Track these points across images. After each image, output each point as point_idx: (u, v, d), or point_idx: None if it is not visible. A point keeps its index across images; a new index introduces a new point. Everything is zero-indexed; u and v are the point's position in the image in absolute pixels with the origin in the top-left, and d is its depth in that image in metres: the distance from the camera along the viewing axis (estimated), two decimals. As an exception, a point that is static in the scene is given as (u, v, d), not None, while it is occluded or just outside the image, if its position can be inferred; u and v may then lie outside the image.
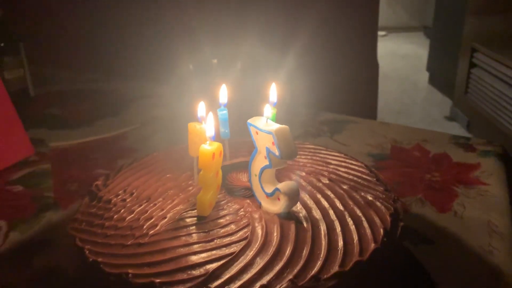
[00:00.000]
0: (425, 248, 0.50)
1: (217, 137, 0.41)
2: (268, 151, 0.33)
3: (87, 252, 0.31)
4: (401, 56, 4.06)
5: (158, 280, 0.28)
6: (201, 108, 0.37)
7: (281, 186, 0.33)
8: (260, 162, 0.35)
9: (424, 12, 4.38)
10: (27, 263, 0.51)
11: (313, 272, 0.29)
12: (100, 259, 0.30)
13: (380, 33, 4.78)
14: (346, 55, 1.34)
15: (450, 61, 2.86)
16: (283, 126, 0.33)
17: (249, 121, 0.35)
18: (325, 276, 0.29)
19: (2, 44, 0.89)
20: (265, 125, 0.34)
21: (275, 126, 0.33)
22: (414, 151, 0.73)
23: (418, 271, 0.45)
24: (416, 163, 0.69)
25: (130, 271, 0.29)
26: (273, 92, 0.37)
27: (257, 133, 0.34)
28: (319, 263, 0.30)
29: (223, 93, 0.39)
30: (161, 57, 1.10)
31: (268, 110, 0.35)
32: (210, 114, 0.35)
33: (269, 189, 0.35)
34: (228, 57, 0.63)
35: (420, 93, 3.30)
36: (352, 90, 1.32)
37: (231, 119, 0.41)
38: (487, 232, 0.53)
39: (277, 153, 0.33)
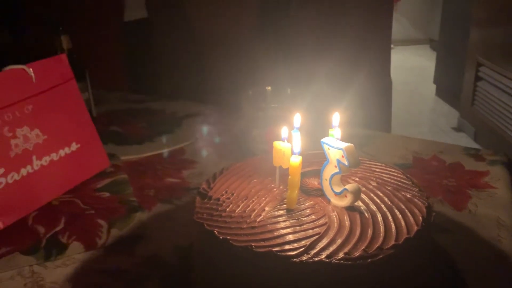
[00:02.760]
0: (446, 237, 0.63)
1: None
2: (339, 162, 0.47)
3: (216, 232, 0.44)
4: (409, 69, 4.19)
5: (274, 249, 0.41)
6: (284, 131, 0.50)
7: (349, 186, 0.47)
8: (330, 170, 0.48)
9: (431, 25, 4.52)
10: (130, 252, 0.64)
11: (377, 244, 0.42)
12: (228, 237, 0.43)
13: (387, 46, 4.94)
14: (360, 71, 1.46)
15: (456, 74, 2.98)
16: (350, 144, 0.46)
17: (322, 140, 0.48)
18: (386, 247, 0.42)
19: (71, 72, 1.04)
20: (335, 143, 0.47)
21: (343, 144, 0.47)
22: (432, 161, 0.86)
23: (442, 255, 0.59)
24: (435, 171, 0.82)
25: (253, 244, 0.42)
26: (336, 118, 0.51)
27: (329, 149, 0.48)
28: (380, 239, 0.43)
29: (297, 119, 0.52)
30: (207, 80, 1.24)
31: (338, 132, 0.48)
32: (297, 135, 0.48)
33: (338, 189, 0.48)
34: (279, 84, 0.77)
35: (427, 104, 3.43)
36: (367, 105, 1.45)
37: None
38: (496, 226, 0.66)
39: (346, 163, 0.46)
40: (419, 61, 4.43)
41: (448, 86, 3.28)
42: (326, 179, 0.49)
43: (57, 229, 0.70)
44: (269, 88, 0.76)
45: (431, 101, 3.48)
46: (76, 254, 0.64)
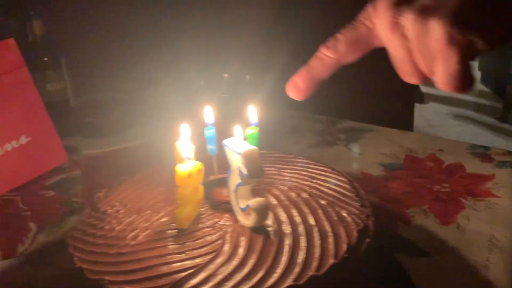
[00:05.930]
0: (419, 261, 0.51)
1: (205, 154, 0.44)
2: (239, 170, 0.36)
3: (76, 259, 0.35)
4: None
5: (127, 287, 0.31)
6: (183, 128, 0.40)
7: (252, 202, 0.36)
8: (235, 179, 0.38)
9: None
10: (48, 263, 0.56)
11: (267, 285, 0.31)
12: (84, 266, 0.34)
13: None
14: (376, 60, 1.31)
15: (502, 59, 2.74)
16: (252, 147, 0.35)
17: (224, 141, 0.37)
18: (278, 289, 0.31)
19: (45, 59, 0.97)
20: (237, 146, 0.36)
21: (246, 147, 0.36)
22: (428, 161, 0.72)
23: (405, 284, 0.46)
24: (428, 173, 0.69)
25: (106, 278, 0.32)
26: (253, 113, 0.40)
27: (231, 153, 0.37)
28: (276, 276, 0.32)
29: (209, 113, 0.42)
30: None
31: (239, 131, 0.37)
32: (187, 136, 0.38)
33: (243, 204, 0.37)
34: (237, 71, 0.66)
35: (471, 93, 3.17)
36: (384, 98, 1.29)
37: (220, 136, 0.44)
38: (487, 247, 0.53)
39: (245, 172, 0.35)
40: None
41: (494, 74, 3.01)
42: (232, 191, 0.38)
43: (-16, 232, 0.63)
44: (225, 75, 0.66)
45: (475, 89, 3.22)
46: (-9, 263, 0.57)
